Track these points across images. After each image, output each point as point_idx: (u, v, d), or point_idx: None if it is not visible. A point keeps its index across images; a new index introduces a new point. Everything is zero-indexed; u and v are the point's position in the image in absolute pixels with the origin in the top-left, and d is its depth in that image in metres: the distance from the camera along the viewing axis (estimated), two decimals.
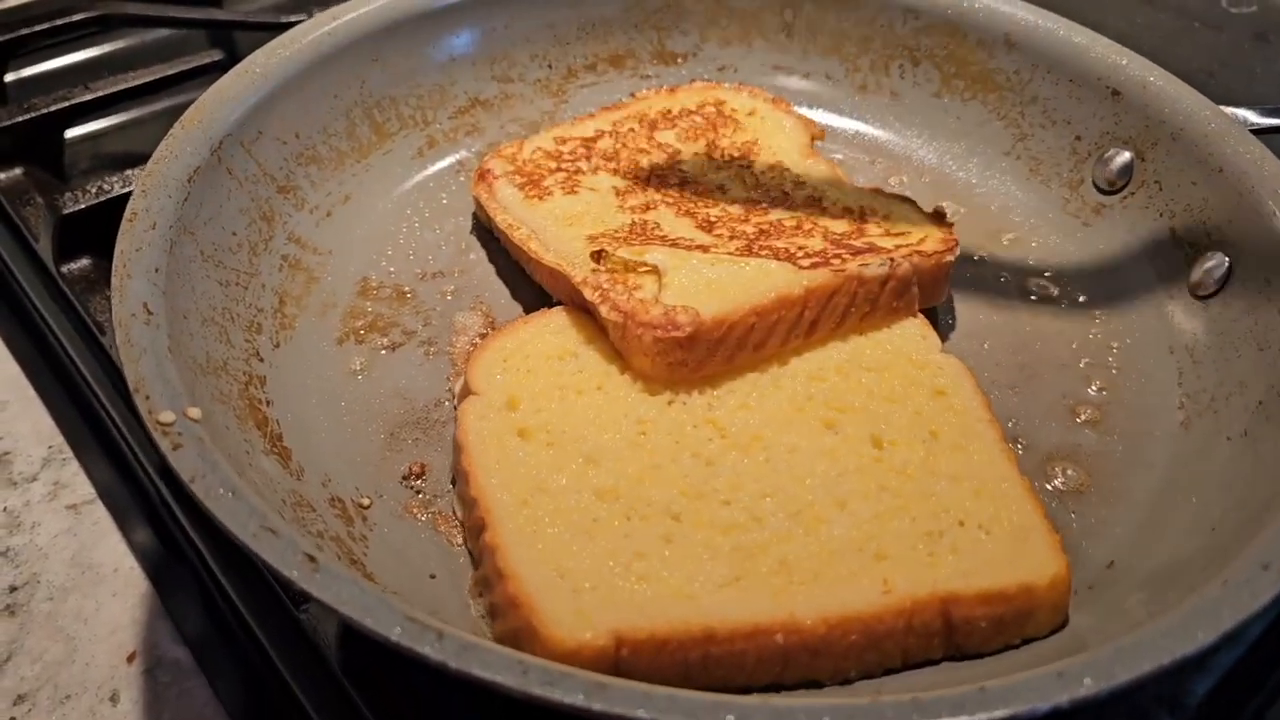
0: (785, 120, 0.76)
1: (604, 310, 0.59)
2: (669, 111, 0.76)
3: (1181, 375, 0.62)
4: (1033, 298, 0.69)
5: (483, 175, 0.71)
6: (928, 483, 0.53)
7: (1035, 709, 0.37)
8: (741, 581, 0.48)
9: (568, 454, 0.54)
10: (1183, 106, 0.68)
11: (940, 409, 0.57)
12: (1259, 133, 0.66)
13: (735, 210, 0.68)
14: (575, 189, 0.69)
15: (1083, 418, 0.61)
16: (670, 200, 0.69)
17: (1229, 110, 0.68)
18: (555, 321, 0.62)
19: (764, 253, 0.63)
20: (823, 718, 0.36)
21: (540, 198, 0.68)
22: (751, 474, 0.53)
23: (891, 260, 0.61)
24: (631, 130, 0.75)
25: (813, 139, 0.75)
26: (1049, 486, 0.58)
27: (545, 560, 0.48)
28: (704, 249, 0.63)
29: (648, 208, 0.68)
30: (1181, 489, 0.55)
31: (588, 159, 0.72)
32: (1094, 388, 0.63)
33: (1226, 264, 0.63)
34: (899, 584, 0.48)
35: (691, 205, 0.69)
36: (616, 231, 0.66)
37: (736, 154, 0.73)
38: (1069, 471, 0.58)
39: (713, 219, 0.67)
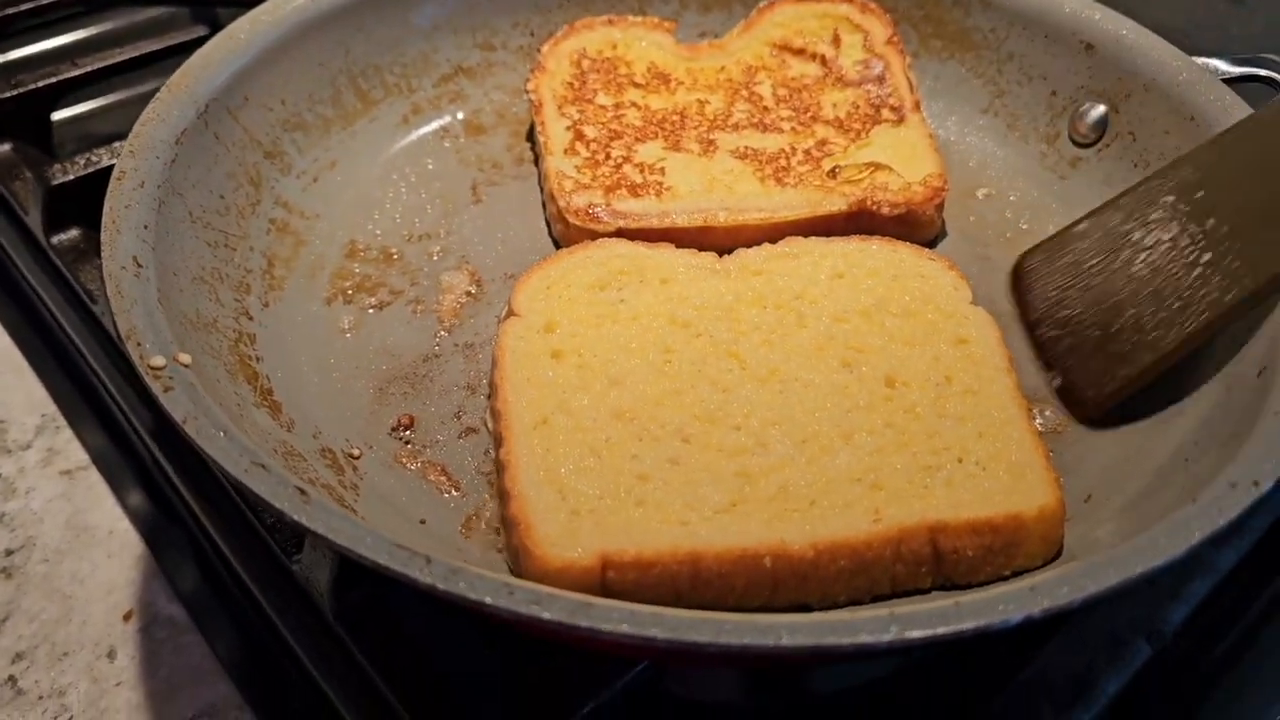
0: None
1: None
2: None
3: None
4: (1010, 250, 0.70)
5: None
6: (934, 422, 0.54)
7: (1008, 620, 0.38)
8: (738, 507, 0.50)
9: (594, 375, 0.56)
10: (1155, 57, 0.69)
11: (959, 356, 0.58)
12: (1230, 82, 0.68)
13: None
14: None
15: None
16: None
17: (1200, 60, 0.69)
18: (599, 254, 0.64)
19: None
20: (800, 631, 0.37)
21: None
22: (765, 403, 0.55)
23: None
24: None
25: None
26: None
27: (550, 481, 0.50)
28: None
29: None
30: (1156, 428, 0.56)
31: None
32: None
33: None
34: (889, 513, 0.49)
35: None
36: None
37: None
38: (1048, 413, 0.59)
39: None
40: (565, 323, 0.59)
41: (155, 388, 0.45)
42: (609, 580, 0.46)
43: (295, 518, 0.40)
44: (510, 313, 0.60)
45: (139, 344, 0.47)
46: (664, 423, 0.54)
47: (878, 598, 0.50)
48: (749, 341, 0.58)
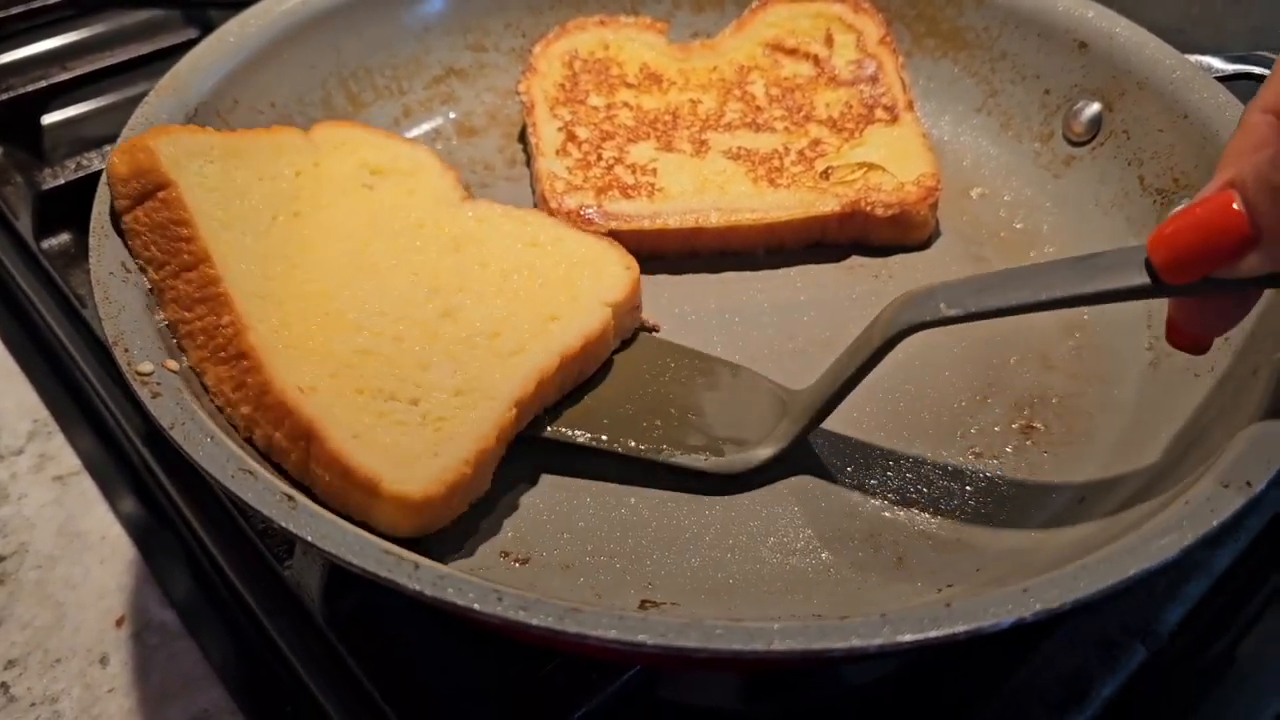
0: None
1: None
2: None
3: (1150, 318, 0.63)
4: (1005, 249, 0.70)
5: None
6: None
7: (999, 622, 0.38)
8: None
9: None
10: (1148, 56, 0.69)
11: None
12: (1224, 80, 0.67)
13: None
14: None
15: (1054, 362, 0.62)
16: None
17: (1194, 58, 0.69)
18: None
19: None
20: (791, 635, 0.37)
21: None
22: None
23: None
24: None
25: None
26: (1021, 427, 0.59)
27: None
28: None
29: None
30: (1150, 426, 0.56)
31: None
32: (1064, 333, 0.64)
33: None
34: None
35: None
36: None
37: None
38: (1041, 414, 0.59)
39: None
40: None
41: (143, 394, 0.45)
42: None
43: (282, 523, 0.40)
44: None
45: (126, 350, 0.47)
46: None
47: None
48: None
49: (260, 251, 0.56)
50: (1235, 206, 0.41)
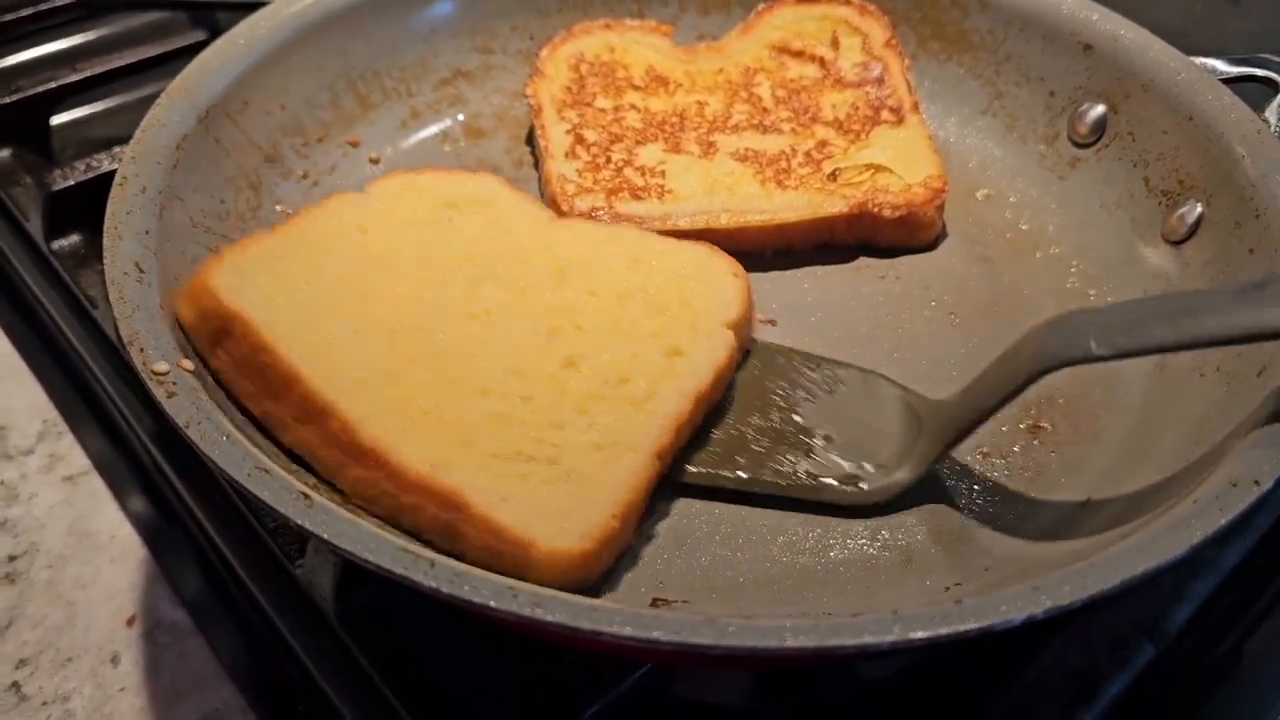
0: None
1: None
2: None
3: None
4: (1011, 250, 0.70)
5: None
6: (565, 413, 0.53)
7: (1010, 620, 0.38)
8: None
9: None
10: (1153, 58, 0.69)
11: (660, 363, 0.55)
12: (1228, 82, 0.68)
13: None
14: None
15: None
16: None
17: (1198, 60, 0.69)
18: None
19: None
20: (804, 633, 0.37)
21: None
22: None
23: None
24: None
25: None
26: (1028, 427, 0.59)
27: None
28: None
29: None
30: (1156, 426, 0.57)
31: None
32: None
33: (1198, 209, 0.64)
34: None
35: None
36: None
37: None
38: (1047, 414, 0.60)
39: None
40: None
41: (158, 393, 0.45)
42: None
43: (299, 522, 0.40)
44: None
45: (141, 350, 0.47)
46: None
47: None
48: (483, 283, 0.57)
49: (350, 335, 0.53)
50: None
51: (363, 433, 0.48)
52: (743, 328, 0.58)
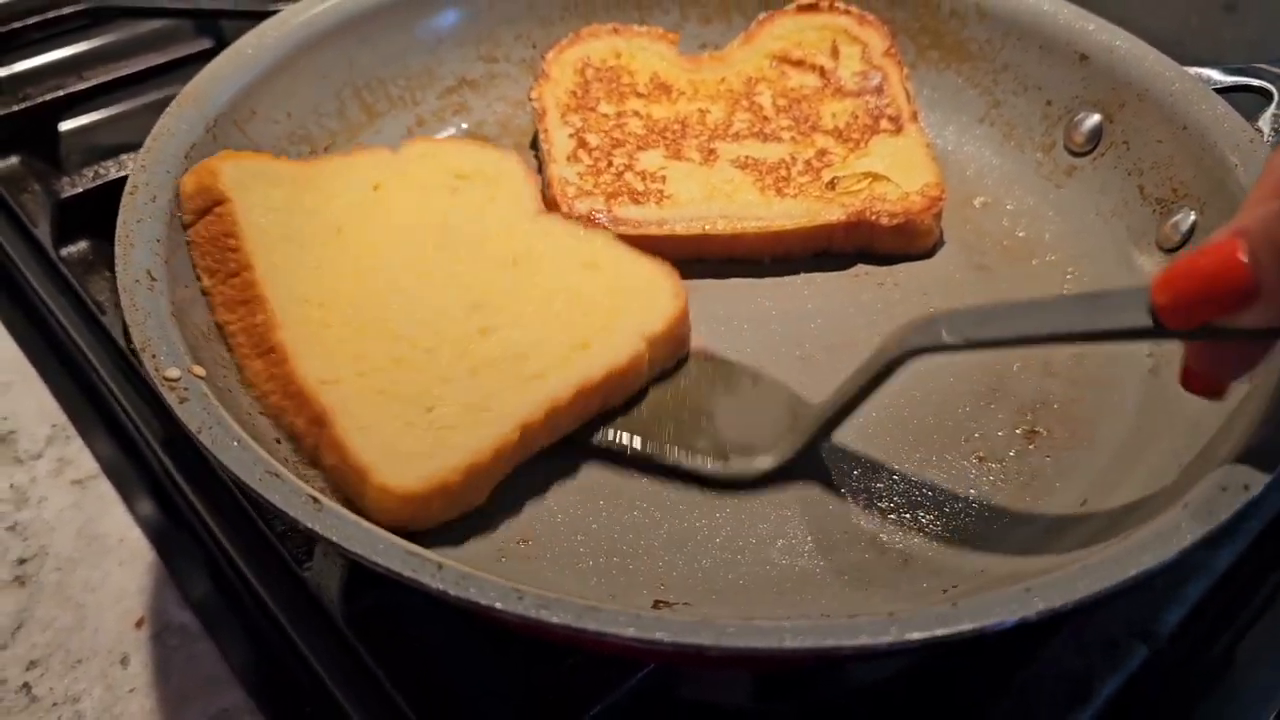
0: None
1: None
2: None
3: None
4: (1008, 258, 0.71)
5: None
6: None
7: (1004, 621, 0.39)
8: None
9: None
10: (1148, 68, 0.70)
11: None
12: (1222, 91, 0.69)
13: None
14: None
15: (1055, 368, 0.63)
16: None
17: (1193, 70, 0.70)
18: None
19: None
20: (802, 634, 0.38)
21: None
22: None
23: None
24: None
25: None
26: (1023, 433, 0.60)
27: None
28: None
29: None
30: (1150, 431, 0.57)
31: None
32: None
33: (1192, 217, 0.65)
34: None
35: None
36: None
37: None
38: (1043, 419, 0.60)
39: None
40: None
41: (171, 399, 0.46)
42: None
43: (309, 525, 0.41)
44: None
45: (154, 356, 0.48)
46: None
47: None
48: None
49: (315, 261, 0.59)
50: (1240, 257, 0.40)
51: (277, 331, 0.54)
52: (661, 344, 0.59)
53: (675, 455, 0.56)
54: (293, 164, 0.64)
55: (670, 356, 0.61)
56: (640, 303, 0.60)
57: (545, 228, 0.65)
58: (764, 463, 0.56)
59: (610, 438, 0.57)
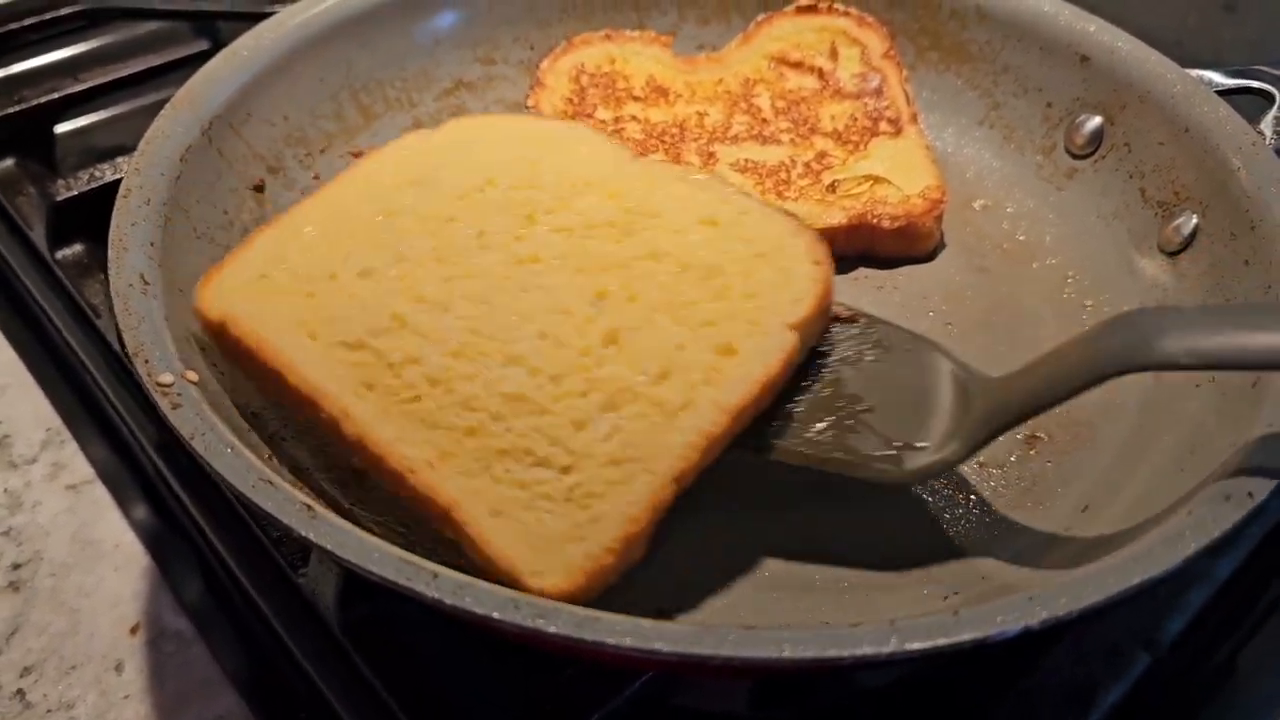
0: None
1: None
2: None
3: None
4: (1008, 261, 0.71)
5: None
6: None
7: (1005, 631, 0.39)
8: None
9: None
10: (1149, 70, 0.70)
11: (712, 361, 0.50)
12: (1224, 94, 0.68)
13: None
14: None
15: None
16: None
17: (1194, 72, 0.70)
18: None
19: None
20: (803, 643, 0.38)
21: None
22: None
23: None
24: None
25: None
26: (1024, 437, 0.59)
27: None
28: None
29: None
30: (1152, 436, 0.57)
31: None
32: None
33: (1194, 221, 0.65)
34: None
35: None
36: None
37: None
38: (1044, 423, 0.60)
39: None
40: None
41: (163, 405, 0.46)
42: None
43: (303, 533, 0.41)
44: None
45: (147, 361, 0.48)
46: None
47: None
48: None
49: (366, 298, 0.50)
50: None
51: (344, 424, 0.46)
52: (810, 326, 0.51)
53: (839, 462, 0.49)
54: (288, 220, 0.55)
55: (817, 335, 0.52)
56: (778, 278, 0.51)
57: (650, 178, 0.55)
58: (943, 456, 0.49)
59: (763, 445, 0.49)
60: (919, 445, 0.50)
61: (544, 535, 0.44)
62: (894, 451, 0.50)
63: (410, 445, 0.46)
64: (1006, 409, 0.49)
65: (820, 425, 0.50)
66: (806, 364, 0.52)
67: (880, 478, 0.50)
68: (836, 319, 0.54)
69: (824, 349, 0.53)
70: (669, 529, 0.54)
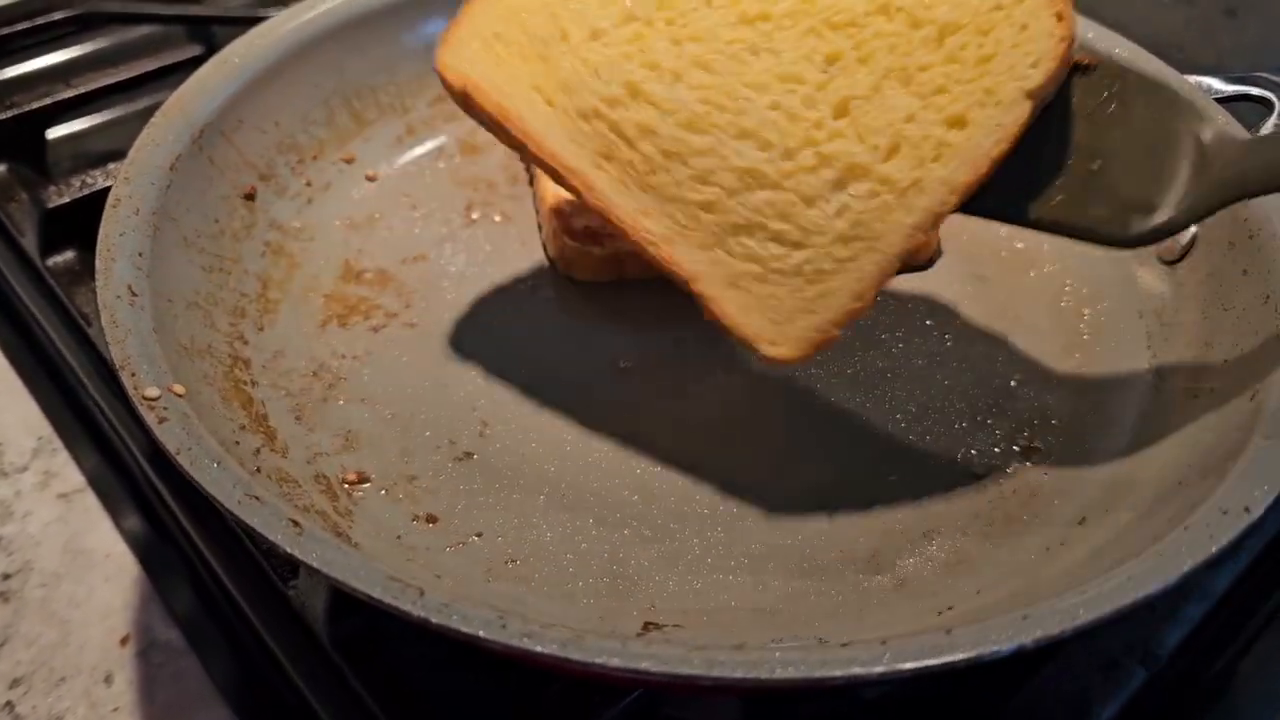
0: None
1: None
2: None
3: (1150, 338, 0.63)
4: (1005, 269, 0.70)
5: None
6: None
7: (999, 650, 0.38)
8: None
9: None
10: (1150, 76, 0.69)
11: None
12: (1223, 101, 0.68)
13: None
14: None
15: (1055, 383, 0.62)
16: None
17: (1195, 79, 0.69)
18: None
19: None
20: (793, 664, 0.37)
21: None
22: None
23: None
24: None
25: None
26: (1022, 449, 0.59)
27: None
28: None
29: None
30: (1150, 447, 0.56)
31: None
32: (1065, 353, 0.64)
33: (1192, 230, 0.64)
34: None
35: None
36: None
37: None
38: (1041, 434, 0.60)
39: None
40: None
41: (149, 419, 0.45)
42: None
43: (289, 549, 0.40)
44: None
45: (133, 374, 0.47)
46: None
47: None
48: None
49: (598, 63, 0.51)
50: None
51: (591, 194, 0.48)
52: (1046, 90, 0.48)
53: (1070, 223, 0.49)
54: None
55: (1052, 94, 0.50)
56: (1016, 38, 0.48)
57: None
58: (1165, 219, 0.48)
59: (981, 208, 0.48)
60: (1149, 207, 0.48)
61: (778, 308, 0.47)
62: (1122, 213, 0.49)
63: (650, 218, 0.48)
64: (1243, 179, 0.48)
65: (1049, 187, 0.49)
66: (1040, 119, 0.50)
67: (1105, 240, 0.49)
68: (1076, 65, 0.51)
69: (1054, 110, 0.51)
70: (666, 550, 0.53)
